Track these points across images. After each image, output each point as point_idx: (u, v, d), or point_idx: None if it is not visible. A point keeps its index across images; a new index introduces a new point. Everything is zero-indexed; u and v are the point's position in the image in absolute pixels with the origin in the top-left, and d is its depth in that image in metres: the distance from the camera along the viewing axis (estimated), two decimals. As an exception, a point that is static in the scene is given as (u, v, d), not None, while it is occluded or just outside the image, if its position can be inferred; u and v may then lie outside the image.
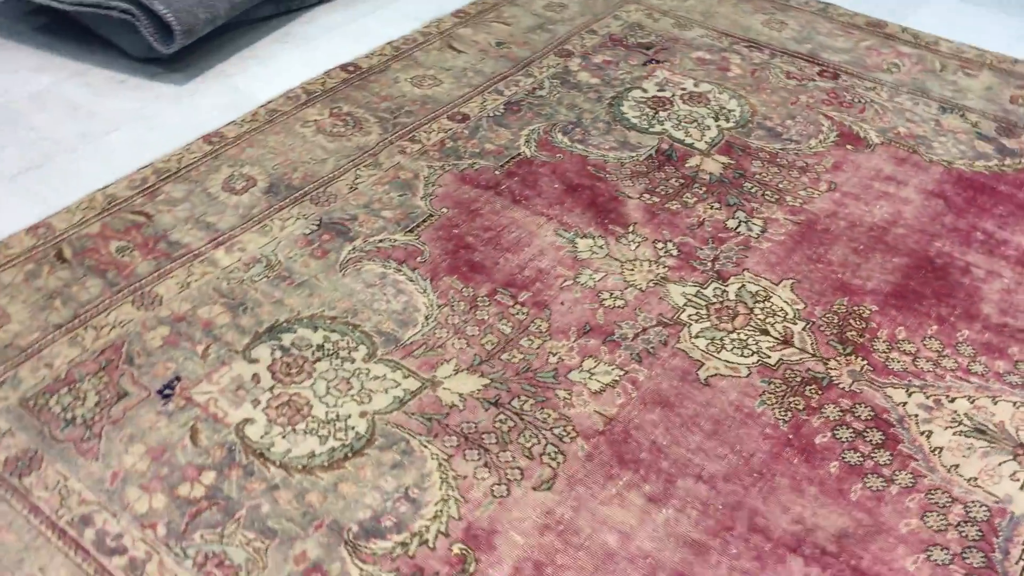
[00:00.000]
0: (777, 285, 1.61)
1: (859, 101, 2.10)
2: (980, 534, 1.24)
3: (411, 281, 1.59)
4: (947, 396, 1.43)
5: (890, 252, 1.69)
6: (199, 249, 1.65)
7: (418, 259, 1.64)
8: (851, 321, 1.55)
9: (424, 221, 1.72)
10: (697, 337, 1.51)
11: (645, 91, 2.11)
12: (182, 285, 1.58)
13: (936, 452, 1.35)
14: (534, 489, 1.28)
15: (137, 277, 1.60)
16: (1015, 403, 1.42)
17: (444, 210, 1.75)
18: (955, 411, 1.40)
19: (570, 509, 1.26)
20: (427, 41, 2.26)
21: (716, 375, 1.45)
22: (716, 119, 2.02)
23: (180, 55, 2.15)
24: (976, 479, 1.31)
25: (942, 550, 1.22)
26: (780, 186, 1.84)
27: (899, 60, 2.25)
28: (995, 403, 1.42)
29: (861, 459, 1.33)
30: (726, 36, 2.33)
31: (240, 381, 1.42)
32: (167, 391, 1.40)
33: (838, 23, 2.40)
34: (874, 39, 2.33)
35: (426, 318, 1.53)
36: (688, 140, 1.96)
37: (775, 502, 1.27)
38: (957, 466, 1.32)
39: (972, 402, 1.42)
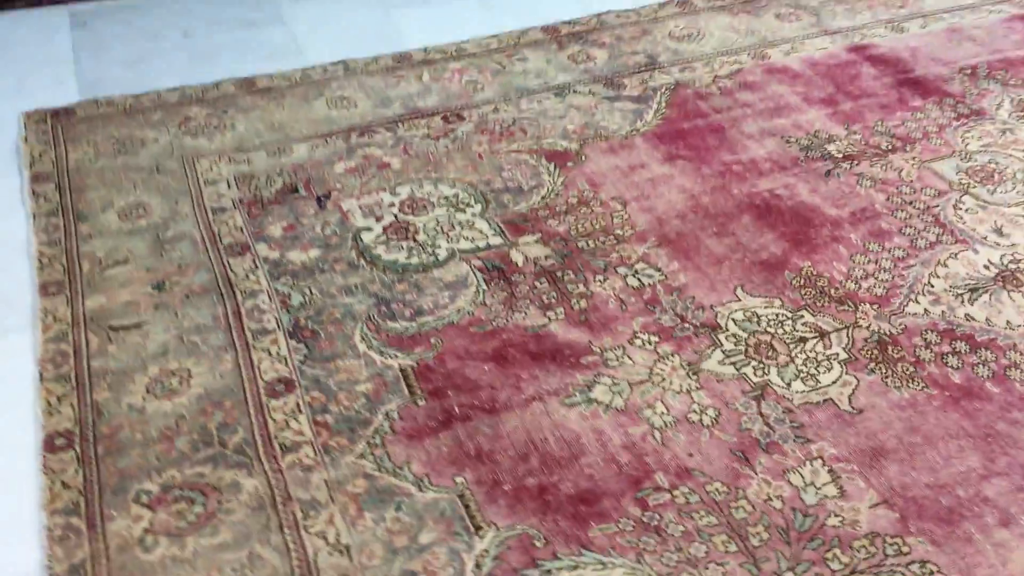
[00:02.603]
0: (738, 299, 1.61)
1: (507, 126, 2.07)
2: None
3: None
4: (930, 279, 1.64)
5: (732, 219, 1.79)
6: None
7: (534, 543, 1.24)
8: (818, 284, 1.64)
9: (470, 508, 1.28)
10: (789, 385, 1.46)
11: (370, 230, 1.78)
12: None
13: (989, 321, 1.56)
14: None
15: None
16: (970, 253, 1.70)
17: (457, 479, 1.32)
18: (947, 288, 1.63)
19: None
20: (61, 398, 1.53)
21: (848, 397, 1.43)
22: (460, 210, 1.82)
23: None
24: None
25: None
26: (596, 225, 1.78)
27: (472, 76, 2.24)
28: (956, 257, 1.69)
29: (989, 371, 1.47)
30: (327, 138, 2.03)
31: None
32: None
33: (373, 74, 2.26)
34: (412, 70, 2.27)
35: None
36: (480, 244, 1.74)
37: (1025, 440, 1.37)
38: (1009, 321, 1.56)
39: (942, 276, 1.66)
